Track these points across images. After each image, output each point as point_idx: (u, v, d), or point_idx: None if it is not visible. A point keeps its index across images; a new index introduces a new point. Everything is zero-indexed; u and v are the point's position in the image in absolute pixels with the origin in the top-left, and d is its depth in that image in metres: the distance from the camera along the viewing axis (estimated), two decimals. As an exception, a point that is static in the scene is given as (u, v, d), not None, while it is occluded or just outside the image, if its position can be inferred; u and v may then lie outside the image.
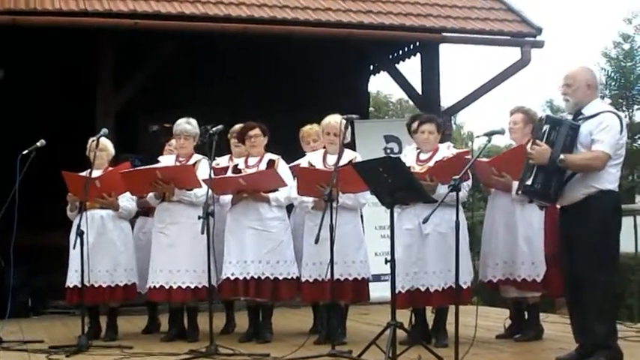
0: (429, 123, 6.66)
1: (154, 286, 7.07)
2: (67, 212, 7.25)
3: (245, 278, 6.81)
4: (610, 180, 5.37)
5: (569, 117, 5.56)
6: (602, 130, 5.31)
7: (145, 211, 7.63)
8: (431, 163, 6.51)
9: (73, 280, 7.04)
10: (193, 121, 7.25)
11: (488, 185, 6.86)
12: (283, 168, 7.00)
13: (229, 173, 7.11)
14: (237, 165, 7.15)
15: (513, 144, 6.96)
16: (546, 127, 5.43)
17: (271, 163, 6.99)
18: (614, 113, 5.42)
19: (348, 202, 6.69)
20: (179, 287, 6.97)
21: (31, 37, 9.70)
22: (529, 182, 5.45)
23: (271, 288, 6.87)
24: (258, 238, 6.86)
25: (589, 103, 5.46)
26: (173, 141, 7.54)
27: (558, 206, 5.70)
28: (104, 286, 7.12)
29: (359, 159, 6.77)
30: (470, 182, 6.51)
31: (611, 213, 5.37)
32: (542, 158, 5.35)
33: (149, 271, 7.14)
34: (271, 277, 6.85)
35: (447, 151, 6.61)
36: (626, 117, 19.24)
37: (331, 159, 6.78)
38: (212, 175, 6.62)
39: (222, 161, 7.35)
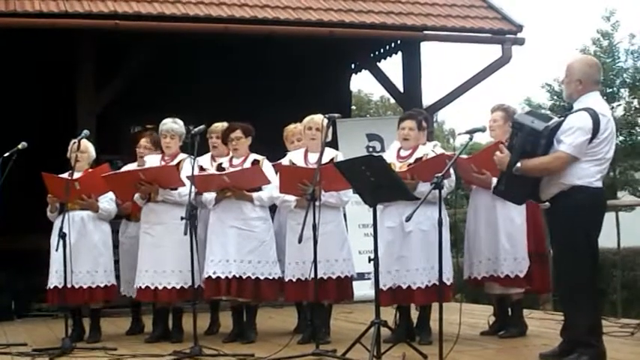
0: (409, 119, 6.69)
1: (140, 287, 7.05)
2: (48, 213, 7.22)
3: (227, 277, 6.79)
4: (580, 175, 5.25)
5: (549, 112, 5.60)
6: (565, 132, 5.27)
7: (127, 215, 7.61)
8: (411, 160, 6.54)
9: (53, 281, 7.02)
10: (179, 121, 7.26)
11: (470, 182, 6.92)
12: (268, 168, 6.98)
13: (213, 171, 7.10)
14: (221, 164, 7.14)
15: (494, 141, 6.98)
16: (512, 132, 5.57)
17: (255, 163, 6.98)
18: (587, 112, 5.26)
19: (332, 201, 6.70)
20: (165, 288, 6.96)
21: (11, 38, 9.64)
22: (495, 183, 5.55)
23: (253, 288, 6.85)
24: (240, 238, 6.85)
25: (580, 98, 5.39)
26: (142, 141, 7.60)
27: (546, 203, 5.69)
28: (84, 287, 7.09)
29: (340, 157, 6.77)
30: (452, 180, 6.52)
31: (585, 209, 5.25)
32: (502, 165, 5.48)
33: (136, 272, 7.12)
34: (253, 277, 6.83)
35: (427, 148, 6.62)
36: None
37: (312, 157, 6.78)
38: (195, 173, 6.61)
39: (203, 161, 7.35)
